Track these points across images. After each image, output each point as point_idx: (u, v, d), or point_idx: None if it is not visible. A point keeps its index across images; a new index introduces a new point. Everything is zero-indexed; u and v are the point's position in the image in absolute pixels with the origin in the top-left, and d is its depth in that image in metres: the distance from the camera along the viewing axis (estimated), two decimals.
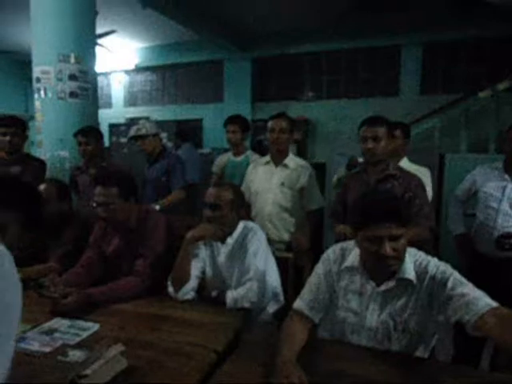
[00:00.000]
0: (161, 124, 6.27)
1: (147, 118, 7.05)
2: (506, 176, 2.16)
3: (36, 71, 3.20)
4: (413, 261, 1.26)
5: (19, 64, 7.85)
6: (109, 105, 7.68)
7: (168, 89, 7.34)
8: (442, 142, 4.47)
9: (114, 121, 6.78)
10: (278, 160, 2.40)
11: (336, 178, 2.76)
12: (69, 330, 1.37)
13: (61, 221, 2.04)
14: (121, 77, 7.58)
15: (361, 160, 2.35)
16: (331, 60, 6.23)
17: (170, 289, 1.66)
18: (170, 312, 1.55)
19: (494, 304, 1.10)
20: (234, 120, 2.85)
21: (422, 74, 5.68)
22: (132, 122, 6.94)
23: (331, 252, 1.39)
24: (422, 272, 1.24)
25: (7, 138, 2.43)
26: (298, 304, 1.35)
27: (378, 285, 1.27)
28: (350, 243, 1.37)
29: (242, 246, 1.75)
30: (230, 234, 1.77)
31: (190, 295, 1.67)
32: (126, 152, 6.56)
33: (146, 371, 1.13)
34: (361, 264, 1.30)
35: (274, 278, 1.76)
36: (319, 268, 1.38)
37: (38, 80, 3.20)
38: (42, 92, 3.21)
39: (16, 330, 0.69)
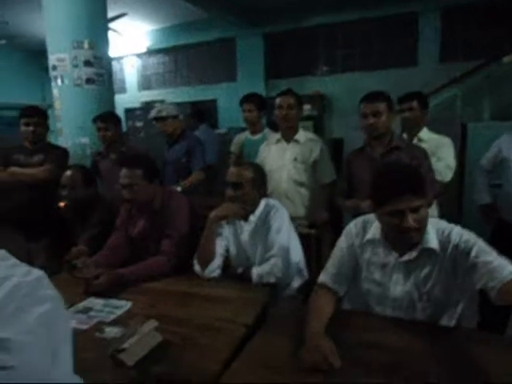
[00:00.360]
0: (177, 105, 6.33)
1: (162, 101, 7.08)
2: None
3: (52, 59, 3.23)
4: (435, 230, 1.26)
5: (34, 54, 7.92)
6: (123, 90, 7.71)
7: (181, 70, 7.30)
8: (464, 110, 4.33)
9: (129, 105, 6.83)
10: (289, 136, 2.42)
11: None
12: (103, 309, 1.44)
13: (88, 205, 2.10)
14: (133, 61, 7.57)
15: None
16: (345, 32, 6.04)
17: (197, 267, 1.70)
18: (197, 289, 1.59)
19: None
20: (249, 98, 2.83)
21: (441, 41, 5.45)
22: (148, 105, 6.98)
23: (353, 226, 1.40)
24: (445, 241, 1.23)
25: (30, 128, 2.48)
26: (323, 278, 1.37)
27: (401, 255, 1.28)
28: (371, 216, 1.37)
29: (264, 224, 1.77)
30: (253, 211, 1.79)
31: (216, 273, 1.72)
32: (142, 136, 6.62)
33: (180, 345, 1.18)
34: (382, 236, 1.30)
35: (297, 254, 1.78)
36: (342, 241, 1.39)
37: (55, 68, 3.23)
38: (59, 80, 3.25)
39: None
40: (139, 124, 6.64)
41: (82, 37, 3.21)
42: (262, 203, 1.82)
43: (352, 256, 1.36)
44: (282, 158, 2.39)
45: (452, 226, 1.27)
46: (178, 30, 6.78)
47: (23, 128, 2.49)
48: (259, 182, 1.80)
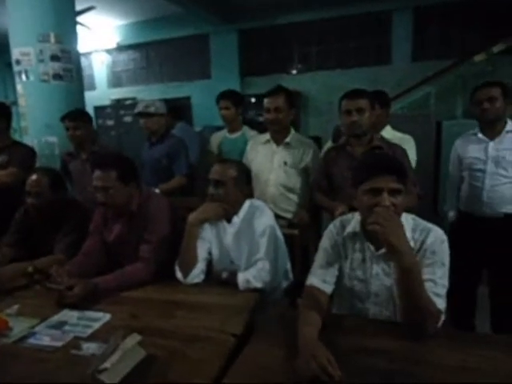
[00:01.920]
0: None
1: (133, 99, 6.86)
2: (484, 137, 2.14)
3: (15, 53, 3.03)
4: (411, 227, 1.26)
5: None
6: (92, 86, 7.41)
7: (153, 67, 7.10)
8: (438, 108, 4.42)
9: (98, 103, 6.56)
10: (279, 138, 2.29)
11: (324, 152, 2.71)
12: (79, 322, 1.33)
13: (58, 211, 1.95)
14: (103, 57, 7.29)
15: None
16: (320, 30, 6.04)
17: (178, 274, 1.61)
18: (181, 297, 1.51)
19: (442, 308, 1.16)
20: (225, 95, 2.74)
21: (413, 40, 5.55)
22: (118, 103, 6.74)
23: (332, 226, 1.40)
24: (418, 240, 1.24)
25: None
26: (311, 280, 1.33)
27: (378, 249, 1.28)
28: (349, 215, 1.40)
29: (249, 225, 1.70)
30: (236, 213, 1.72)
31: (199, 278, 1.64)
32: (113, 135, 6.39)
33: (166, 360, 1.10)
34: (361, 229, 1.31)
35: (283, 256, 1.73)
36: (324, 242, 1.38)
37: (18, 62, 3.03)
38: (24, 75, 3.05)
39: None
40: (110, 122, 6.39)
41: (49, 30, 3.03)
42: (247, 204, 1.75)
43: (337, 255, 1.35)
44: (271, 162, 2.28)
45: (431, 227, 1.27)
46: (149, 25, 6.57)
47: None
48: (243, 182, 1.73)
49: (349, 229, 1.33)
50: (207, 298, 1.48)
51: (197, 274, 1.62)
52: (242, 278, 1.56)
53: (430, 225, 1.27)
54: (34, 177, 1.90)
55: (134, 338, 1.10)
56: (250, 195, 1.79)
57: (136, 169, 1.81)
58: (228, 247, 1.74)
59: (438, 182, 3.54)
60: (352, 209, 1.43)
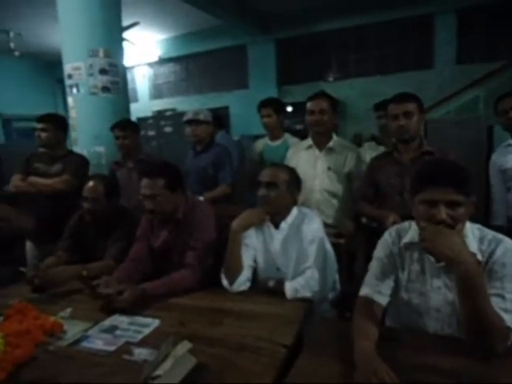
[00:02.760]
0: None
1: (173, 110, 7.07)
2: None
3: (67, 68, 3.20)
4: (478, 237, 1.16)
5: (46, 65, 7.99)
6: (135, 99, 7.70)
7: (192, 78, 7.29)
8: (487, 112, 4.19)
9: (141, 114, 6.81)
10: (322, 143, 2.26)
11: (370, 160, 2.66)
12: (129, 327, 1.34)
13: (111, 218, 2.01)
14: (145, 70, 7.58)
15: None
16: (358, 36, 5.97)
17: (225, 282, 1.60)
18: (228, 305, 1.49)
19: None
20: (267, 103, 2.74)
21: (458, 43, 5.35)
22: (159, 114, 6.96)
23: (387, 235, 1.32)
24: (487, 251, 1.14)
25: (43, 134, 2.47)
26: (365, 290, 1.27)
27: (438, 261, 1.18)
28: (405, 224, 1.31)
29: (297, 232, 1.67)
30: (284, 218, 1.70)
31: (245, 286, 1.62)
32: (154, 145, 6.58)
33: (217, 369, 1.08)
34: (419, 239, 1.20)
35: (332, 265, 1.68)
36: (379, 252, 1.31)
37: (70, 76, 3.19)
38: (75, 88, 3.21)
39: None
40: (151, 133, 6.60)
41: (98, 45, 3.18)
42: (295, 210, 1.72)
43: (392, 265, 1.28)
44: (314, 167, 2.25)
45: (501, 237, 1.16)
46: (189, 38, 6.77)
47: (37, 134, 2.47)
48: (294, 186, 1.71)
49: (406, 239, 1.26)
50: (254, 307, 1.45)
51: (243, 282, 1.60)
52: (289, 286, 1.52)
53: (499, 235, 1.17)
54: (91, 183, 1.98)
55: (185, 346, 1.09)
56: (296, 202, 1.76)
57: (182, 176, 1.84)
58: (274, 254, 1.71)
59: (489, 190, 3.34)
60: (402, 217, 1.37)
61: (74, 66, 3.16)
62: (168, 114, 6.86)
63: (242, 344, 1.19)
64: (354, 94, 5.98)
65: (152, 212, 1.74)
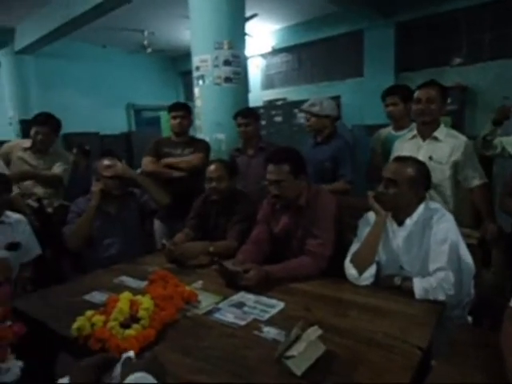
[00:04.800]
0: (297, 104, 6.30)
1: (284, 99, 7.14)
2: None
3: (195, 61, 3.43)
4: None
5: (171, 60, 8.77)
6: None
7: (304, 68, 7.25)
8: None
9: (252, 104, 7.00)
10: (426, 133, 2.10)
11: (481, 136, 2.36)
12: (256, 306, 1.40)
13: (232, 200, 2.13)
14: (258, 61, 7.79)
15: None
16: (496, 13, 5.21)
17: (352, 271, 1.55)
18: (352, 297, 1.45)
19: None
20: (393, 91, 2.57)
21: None
22: (270, 104, 7.10)
23: None
24: None
25: (177, 120, 2.72)
26: None
27: None
28: None
29: (423, 230, 1.54)
30: (409, 214, 1.58)
31: (369, 281, 1.55)
32: (264, 134, 6.76)
33: (347, 360, 1.05)
34: None
35: (469, 268, 1.51)
36: None
37: (198, 68, 3.43)
38: (201, 80, 3.44)
39: None
40: (262, 122, 6.77)
41: (223, 37, 3.34)
42: (421, 206, 1.59)
43: None
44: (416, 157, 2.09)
45: None
46: (302, 27, 6.73)
47: (171, 121, 2.72)
48: (420, 184, 1.57)
49: None
50: (380, 302, 1.39)
51: (370, 275, 1.54)
52: (419, 285, 1.41)
53: None
54: (213, 165, 2.14)
55: (316, 331, 1.09)
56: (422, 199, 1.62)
57: (305, 163, 1.84)
58: (397, 251, 1.61)
59: None
60: None
61: (201, 58, 3.38)
62: (278, 103, 6.96)
63: (371, 339, 1.15)
64: (486, 79, 5.28)
65: (276, 197, 1.77)
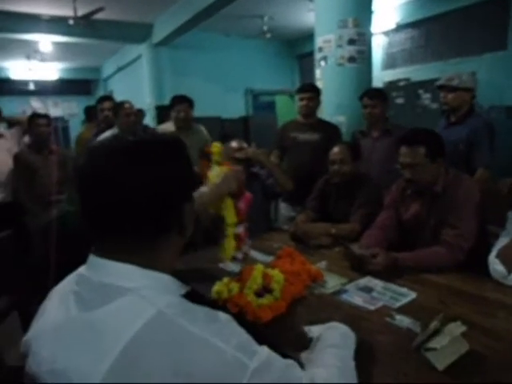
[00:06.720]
0: (422, 84, 5.76)
1: (407, 80, 6.61)
2: None
3: (319, 41, 3.39)
4: None
5: (287, 43, 8.81)
6: None
7: (431, 44, 6.56)
8: None
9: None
10: None
11: None
12: (385, 292, 1.35)
13: (354, 183, 2.08)
14: (379, 39, 7.31)
15: None
16: None
17: (499, 268, 1.38)
18: (497, 296, 1.30)
19: None
20: None
21: None
22: (391, 85, 6.65)
23: None
24: None
25: (304, 102, 2.74)
26: None
27: None
28: None
29: None
30: None
31: None
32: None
33: (496, 364, 0.95)
34: None
35: None
36: None
37: (320, 49, 3.38)
38: (323, 61, 3.38)
39: None
40: None
41: (348, 15, 3.22)
42: None
43: None
44: None
45: None
46: None
47: (298, 103, 2.76)
48: None
49: None
50: None
51: None
52: None
53: None
54: (336, 148, 2.11)
55: (459, 327, 1.01)
56: None
57: (444, 146, 1.68)
58: None
59: None
60: None
61: (324, 38, 3.32)
62: (401, 84, 6.46)
63: None
64: None
65: (410, 181, 1.67)
